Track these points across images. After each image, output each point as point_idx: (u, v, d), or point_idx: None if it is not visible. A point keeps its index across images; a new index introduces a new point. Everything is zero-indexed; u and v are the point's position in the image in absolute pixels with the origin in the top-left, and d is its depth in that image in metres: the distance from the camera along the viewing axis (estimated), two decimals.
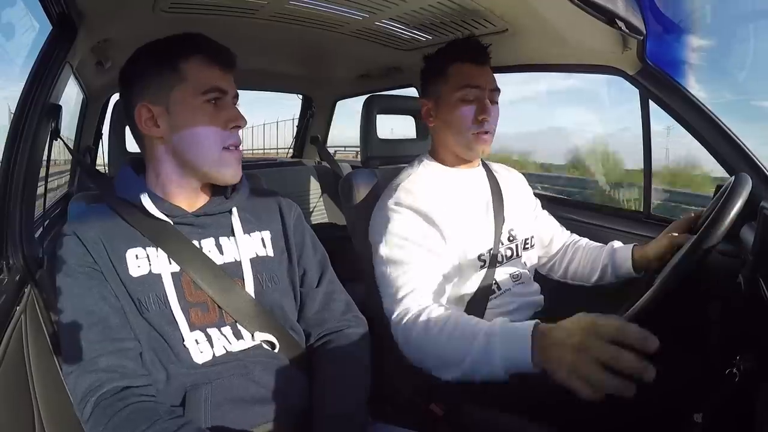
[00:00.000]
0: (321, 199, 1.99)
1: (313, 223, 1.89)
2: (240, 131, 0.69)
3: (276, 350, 0.68)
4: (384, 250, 0.85)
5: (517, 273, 0.97)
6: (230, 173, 0.68)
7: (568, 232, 1.11)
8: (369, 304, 1.00)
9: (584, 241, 1.08)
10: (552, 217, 1.12)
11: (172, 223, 0.67)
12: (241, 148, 0.70)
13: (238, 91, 0.70)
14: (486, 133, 0.90)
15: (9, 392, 0.62)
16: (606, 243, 1.04)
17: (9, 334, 0.64)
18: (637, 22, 0.89)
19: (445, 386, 0.90)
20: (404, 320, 0.78)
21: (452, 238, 0.87)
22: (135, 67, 0.68)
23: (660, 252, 0.90)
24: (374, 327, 0.82)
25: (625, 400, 0.60)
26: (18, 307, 0.69)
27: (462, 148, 0.93)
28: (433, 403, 0.90)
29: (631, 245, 0.98)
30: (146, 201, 0.65)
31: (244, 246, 0.71)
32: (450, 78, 0.91)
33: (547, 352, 0.59)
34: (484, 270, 0.91)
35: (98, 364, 0.57)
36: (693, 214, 0.93)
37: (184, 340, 0.62)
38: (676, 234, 0.90)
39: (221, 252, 0.69)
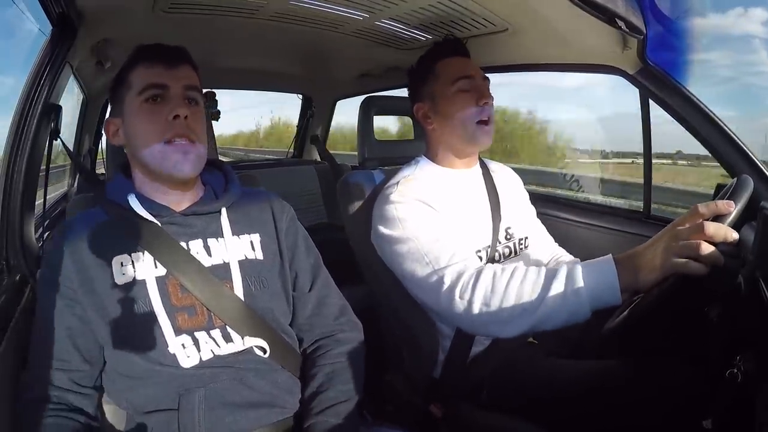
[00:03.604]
0: (321, 199, 1.98)
1: (313, 223, 1.89)
2: (184, 120, 0.65)
3: (267, 354, 0.67)
4: (402, 232, 0.82)
5: None
6: (173, 167, 0.65)
7: (557, 245, 1.09)
8: (371, 303, 1.00)
9: (568, 257, 1.06)
10: (543, 228, 1.10)
11: (159, 224, 0.66)
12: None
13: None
14: (487, 123, 0.91)
15: (11, 391, 0.62)
16: (606, 243, 1.03)
17: (9, 334, 0.64)
18: (637, 21, 0.89)
19: (445, 387, 0.91)
20: (460, 284, 0.73)
21: (451, 232, 0.86)
22: (110, 90, 0.72)
23: None
24: (377, 327, 0.82)
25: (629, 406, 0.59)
26: (18, 307, 0.69)
27: (465, 141, 0.92)
28: (433, 404, 0.90)
29: None
30: (133, 201, 0.66)
31: (233, 248, 0.70)
32: (441, 74, 0.93)
33: (636, 268, 0.63)
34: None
35: (42, 373, 0.61)
36: None
37: (168, 346, 0.62)
38: None
39: (209, 254, 0.68)
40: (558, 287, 0.66)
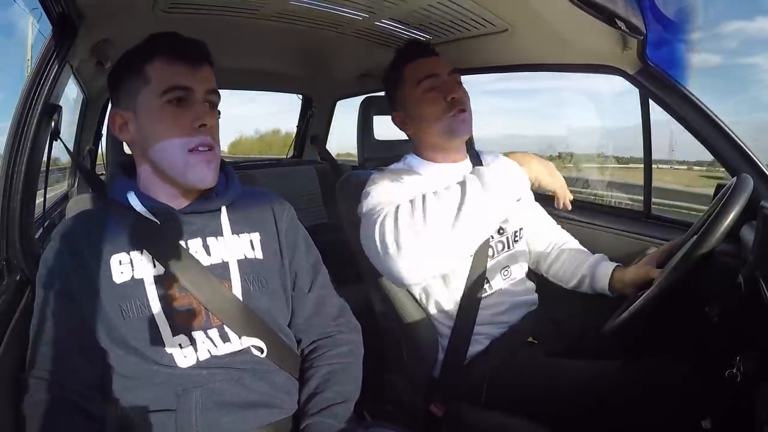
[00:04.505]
0: (321, 199, 1.98)
1: (313, 223, 1.89)
2: (209, 129, 0.65)
3: (264, 354, 0.67)
4: (367, 210, 0.80)
5: (508, 270, 0.96)
6: (197, 177, 0.65)
7: (562, 231, 1.09)
8: (370, 303, 1.00)
9: (574, 243, 1.06)
10: (544, 212, 1.09)
11: (159, 222, 0.66)
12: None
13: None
14: (462, 111, 0.90)
15: (11, 392, 0.62)
16: (606, 243, 1.03)
17: (9, 334, 0.64)
18: (637, 21, 0.89)
19: (444, 386, 0.91)
20: (387, 229, 0.69)
21: None
22: (112, 76, 0.69)
23: (636, 280, 0.89)
24: (376, 326, 0.81)
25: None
26: (19, 307, 0.69)
27: (444, 135, 0.92)
28: (433, 404, 0.90)
29: (614, 265, 0.96)
30: (133, 200, 0.65)
31: (232, 247, 0.69)
32: (408, 79, 0.93)
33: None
34: (470, 262, 0.90)
35: (44, 374, 0.61)
36: (670, 245, 0.92)
37: (165, 345, 0.62)
38: (656, 267, 0.88)
39: (208, 253, 0.68)
40: (473, 185, 0.70)
